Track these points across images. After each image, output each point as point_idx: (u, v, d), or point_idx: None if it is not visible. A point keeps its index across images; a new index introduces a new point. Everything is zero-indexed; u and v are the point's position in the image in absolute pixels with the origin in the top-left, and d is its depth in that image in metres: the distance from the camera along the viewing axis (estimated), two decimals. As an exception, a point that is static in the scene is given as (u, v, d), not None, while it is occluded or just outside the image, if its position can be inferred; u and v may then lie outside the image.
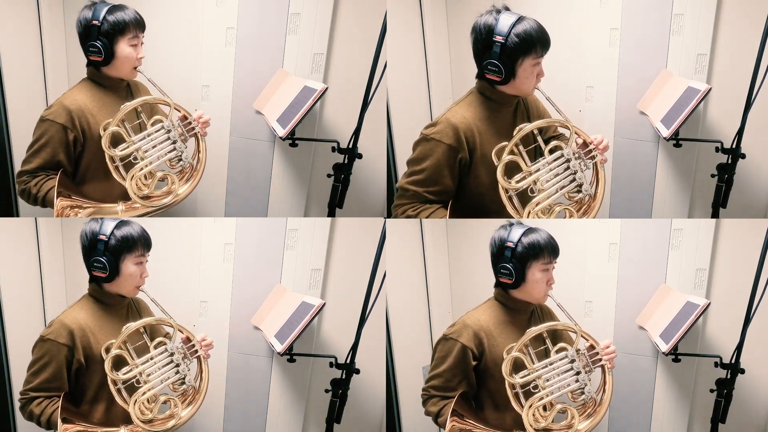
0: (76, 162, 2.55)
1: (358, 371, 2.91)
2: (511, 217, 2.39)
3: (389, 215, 3.15)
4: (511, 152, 2.30)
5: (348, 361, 2.88)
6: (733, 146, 2.93)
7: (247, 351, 3.08)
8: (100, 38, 2.49)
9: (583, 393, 2.35)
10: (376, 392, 3.08)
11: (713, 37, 3.03)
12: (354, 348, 2.86)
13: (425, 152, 2.39)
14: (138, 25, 2.55)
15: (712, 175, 2.99)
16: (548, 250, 2.43)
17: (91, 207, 2.52)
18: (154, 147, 2.51)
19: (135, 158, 2.50)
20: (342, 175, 3.03)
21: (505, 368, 2.32)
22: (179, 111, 2.56)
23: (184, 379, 2.56)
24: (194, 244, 3.09)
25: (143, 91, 2.72)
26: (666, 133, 3.02)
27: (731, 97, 2.99)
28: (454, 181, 2.39)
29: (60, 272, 3.14)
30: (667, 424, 3.10)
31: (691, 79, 3.04)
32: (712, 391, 2.93)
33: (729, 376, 2.88)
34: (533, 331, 2.35)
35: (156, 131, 2.52)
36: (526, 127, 2.33)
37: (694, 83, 3.00)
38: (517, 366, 2.36)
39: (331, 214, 3.09)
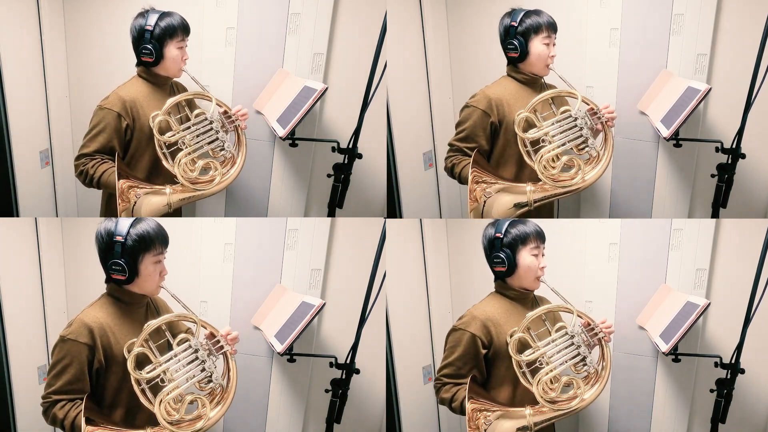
0: (125, 148, 2.75)
1: (358, 371, 2.91)
2: (529, 169, 2.76)
3: (389, 215, 3.15)
4: (532, 111, 2.74)
5: (348, 361, 2.88)
6: (733, 146, 2.93)
7: (247, 351, 3.08)
8: (152, 42, 2.74)
9: (585, 365, 2.55)
10: (376, 392, 3.08)
11: (713, 37, 3.03)
12: (354, 348, 2.86)
13: (466, 116, 2.83)
14: (185, 29, 2.80)
15: (712, 175, 2.99)
16: (534, 235, 2.63)
17: (145, 188, 2.70)
18: (198, 136, 2.73)
19: (181, 146, 2.71)
20: (342, 175, 3.03)
21: (512, 349, 2.52)
22: (221, 106, 2.79)
23: (210, 376, 2.46)
24: (194, 244, 3.09)
25: (183, 90, 2.91)
26: (666, 133, 3.02)
27: (731, 97, 2.99)
28: (487, 140, 2.81)
29: (60, 272, 3.14)
30: (667, 424, 3.10)
31: (691, 79, 3.04)
32: (712, 391, 2.93)
33: (729, 376, 2.88)
34: (533, 314, 2.55)
35: (199, 121, 2.75)
36: (543, 94, 2.75)
37: (694, 83, 3.00)
38: (523, 348, 2.55)
39: (331, 214, 3.09)
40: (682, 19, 3.05)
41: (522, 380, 2.52)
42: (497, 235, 2.63)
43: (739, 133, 2.90)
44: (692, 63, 3.05)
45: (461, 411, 2.53)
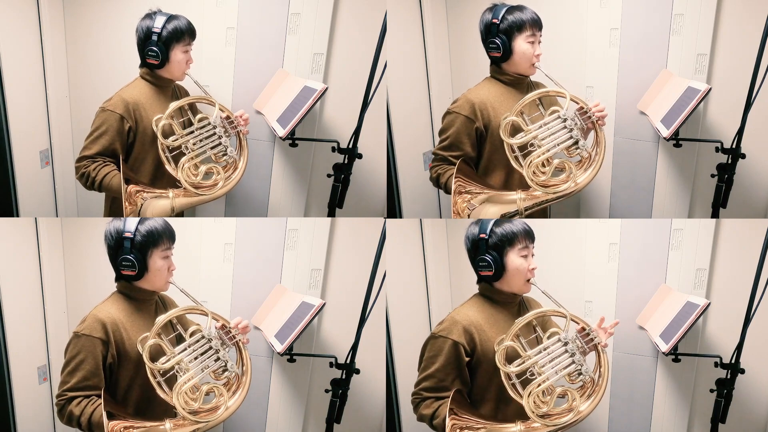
0: (127, 151, 2.75)
1: (358, 371, 2.91)
2: (519, 174, 2.63)
3: (389, 215, 3.15)
4: (518, 114, 2.63)
5: (348, 361, 2.88)
6: (733, 146, 2.93)
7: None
8: (159, 44, 2.74)
9: (581, 374, 2.35)
10: (376, 392, 3.08)
11: (713, 37, 3.03)
12: (354, 348, 2.86)
13: (448, 123, 2.72)
14: (192, 34, 2.82)
15: (712, 175, 2.99)
16: (522, 234, 2.45)
17: (150, 192, 2.71)
18: (201, 140, 2.75)
19: (184, 150, 2.72)
20: (342, 175, 3.03)
21: (499, 358, 2.31)
22: (223, 111, 2.80)
23: (225, 365, 2.48)
24: (194, 244, 3.09)
25: (184, 93, 2.94)
26: (666, 133, 3.02)
27: (731, 97, 2.99)
28: (473, 147, 2.69)
29: (60, 272, 3.14)
30: (667, 424, 3.10)
31: (691, 79, 3.04)
32: (712, 391, 2.93)
33: (729, 376, 2.88)
34: (522, 319, 2.36)
35: (202, 126, 2.76)
36: (528, 96, 2.63)
37: (694, 83, 3.00)
38: (510, 357, 2.36)
39: (331, 214, 3.09)
40: (682, 19, 3.05)
41: (511, 393, 2.31)
42: (482, 235, 2.44)
43: (739, 133, 2.90)
44: (692, 63, 3.05)
45: (444, 429, 2.32)
